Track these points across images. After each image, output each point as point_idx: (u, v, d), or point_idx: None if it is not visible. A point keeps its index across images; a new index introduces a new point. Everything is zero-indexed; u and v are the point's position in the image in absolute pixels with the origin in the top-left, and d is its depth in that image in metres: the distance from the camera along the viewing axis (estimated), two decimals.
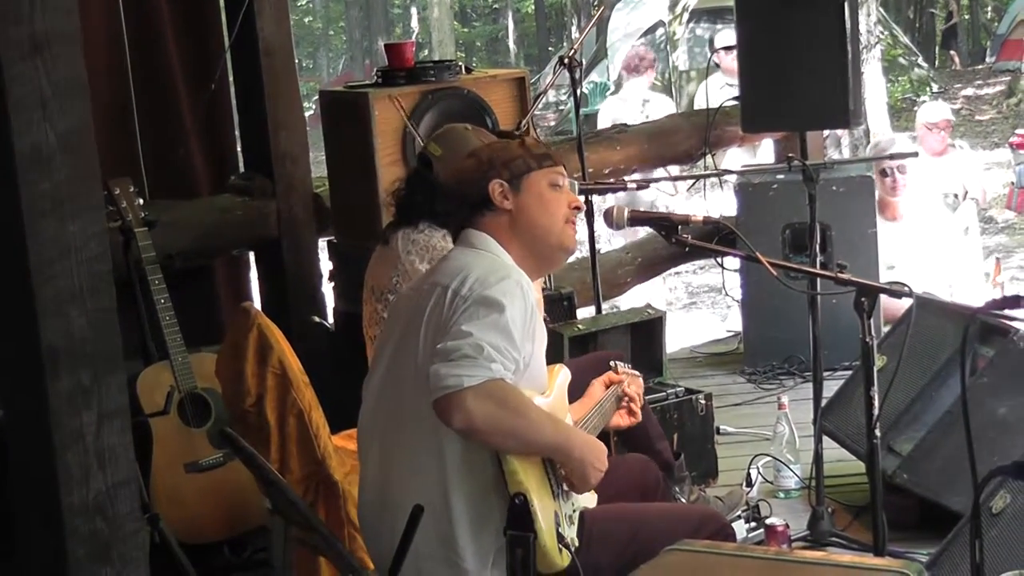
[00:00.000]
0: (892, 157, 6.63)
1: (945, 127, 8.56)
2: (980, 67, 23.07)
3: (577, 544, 3.18)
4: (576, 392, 3.62)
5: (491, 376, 2.96)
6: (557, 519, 3.12)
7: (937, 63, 24.25)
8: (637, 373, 3.87)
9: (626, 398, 3.76)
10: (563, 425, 3.25)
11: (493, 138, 4.27)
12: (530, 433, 3.06)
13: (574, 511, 3.26)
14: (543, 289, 4.58)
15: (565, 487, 3.22)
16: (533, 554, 2.76)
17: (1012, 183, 12.42)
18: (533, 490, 3.04)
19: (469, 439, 3.05)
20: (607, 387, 3.75)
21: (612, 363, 3.82)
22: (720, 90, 8.28)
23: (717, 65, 8.95)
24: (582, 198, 5.19)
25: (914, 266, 6.55)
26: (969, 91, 20.86)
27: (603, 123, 8.73)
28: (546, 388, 3.32)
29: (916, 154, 6.46)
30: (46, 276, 2.63)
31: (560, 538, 3.09)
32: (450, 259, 3.34)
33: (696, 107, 9.34)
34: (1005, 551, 3.46)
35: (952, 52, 25.11)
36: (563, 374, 3.44)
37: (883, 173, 6.62)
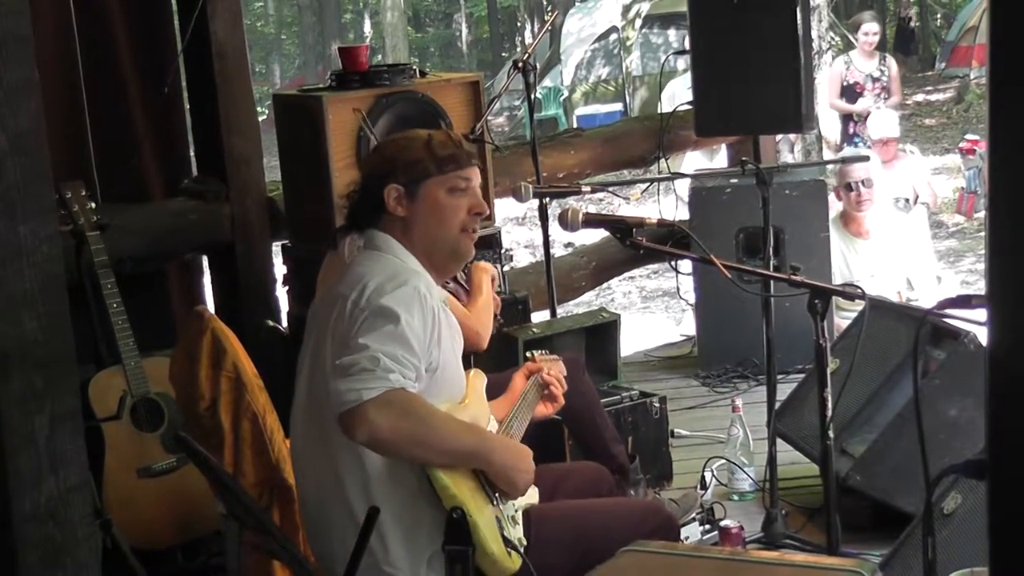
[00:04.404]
0: (844, 161, 6.67)
1: (888, 142, 8.64)
2: (930, 73, 23.25)
3: (526, 543, 3.18)
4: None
5: (390, 386, 2.93)
6: (500, 523, 3.11)
7: None
8: (556, 357, 3.86)
9: (547, 385, 3.71)
10: (477, 430, 3.21)
11: None
12: (439, 440, 3.03)
13: (516, 511, 3.25)
14: (499, 294, 4.58)
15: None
16: (471, 569, 2.74)
17: (962, 188, 12.53)
18: (468, 500, 3.02)
19: (379, 452, 3.03)
20: (527, 378, 3.73)
21: (529, 353, 3.81)
22: (687, 90, 8.31)
23: (675, 68, 8.98)
24: (536, 202, 5.25)
25: (880, 277, 6.58)
26: (919, 96, 21.03)
27: None
28: (465, 395, 3.29)
29: (867, 158, 6.50)
30: None
31: (507, 541, 3.08)
32: (354, 266, 3.29)
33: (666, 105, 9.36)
34: (957, 551, 3.49)
35: (899, 54, 25.25)
36: (479, 379, 3.42)
37: (848, 188, 6.61)
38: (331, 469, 3.16)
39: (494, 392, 3.55)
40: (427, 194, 3.27)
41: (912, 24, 24.38)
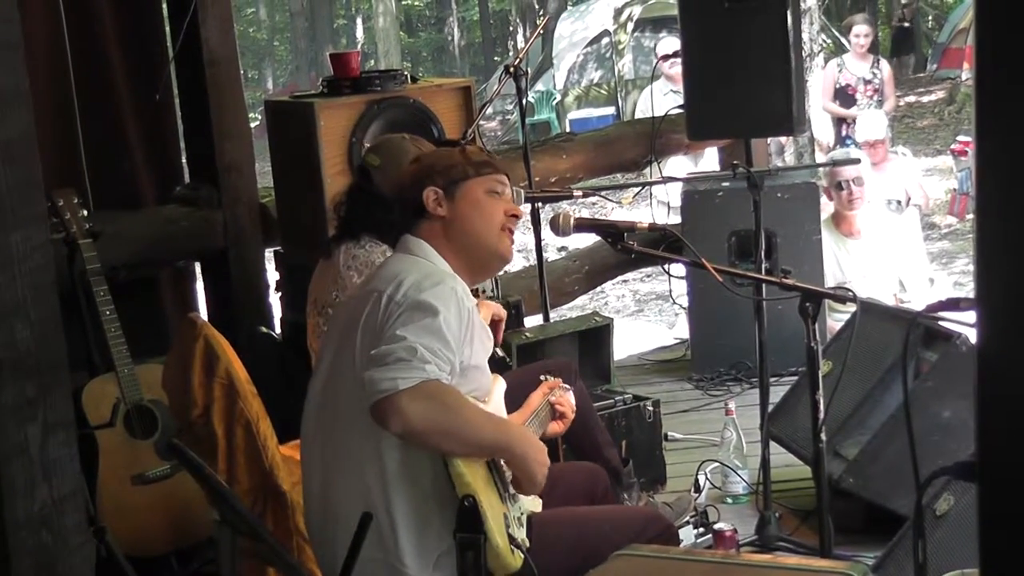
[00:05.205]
0: (835, 164, 6.67)
1: (876, 145, 8.65)
2: (922, 75, 23.29)
3: (528, 545, 3.19)
4: (513, 404, 3.65)
5: (426, 377, 2.95)
6: (507, 520, 3.13)
7: None
8: (568, 387, 3.90)
9: (558, 406, 3.77)
10: (502, 422, 3.27)
11: (431, 147, 4.27)
12: (469, 431, 3.05)
13: (521, 514, 3.28)
14: (491, 298, 4.58)
15: (512, 490, 3.23)
16: (484, 556, 2.76)
17: (954, 189, 12.54)
18: (481, 492, 3.04)
19: (409, 442, 3.05)
20: (543, 396, 3.77)
21: (543, 377, 3.85)
22: (664, 96, 8.32)
23: (661, 74, 8.99)
24: (529, 207, 5.24)
25: (872, 278, 6.58)
26: (911, 98, 21.05)
27: None
28: (488, 395, 3.33)
29: (858, 160, 6.50)
30: None
31: (511, 539, 3.11)
32: (387, 265, 3.35)
33: (638, 114, 9.40)
34: (950, 553, 3.49)
35: (894, 59, 25.29)
36: (500, 384, 3.47)
37: (838, 187, 6.60)
38: (345, 465, 3.17)
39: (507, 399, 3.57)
40: (466, 193, 3.36)
41: (907, 25, 24.40)
